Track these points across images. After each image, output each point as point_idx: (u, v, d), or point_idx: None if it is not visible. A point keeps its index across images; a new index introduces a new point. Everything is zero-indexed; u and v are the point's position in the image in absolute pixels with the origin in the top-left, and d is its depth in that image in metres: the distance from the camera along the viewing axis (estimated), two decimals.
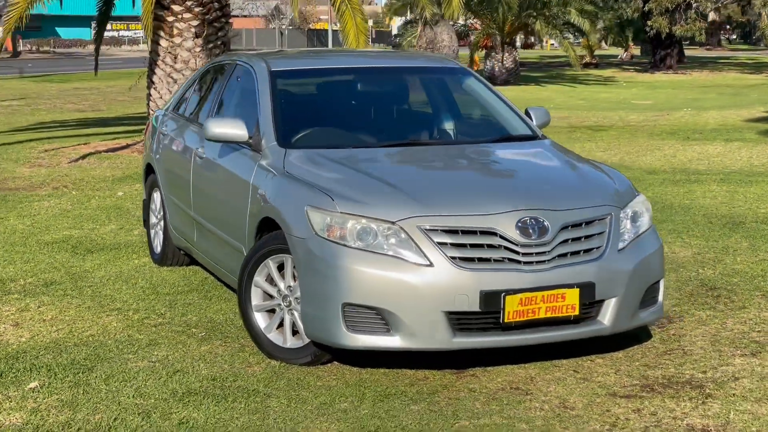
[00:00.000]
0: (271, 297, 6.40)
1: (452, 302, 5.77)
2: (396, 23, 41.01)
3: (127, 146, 17.76)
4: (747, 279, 8.40)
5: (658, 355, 6.56)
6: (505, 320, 5.81)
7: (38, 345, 6.71)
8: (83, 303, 7.71)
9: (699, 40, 53.93)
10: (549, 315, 5.90)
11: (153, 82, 16.45)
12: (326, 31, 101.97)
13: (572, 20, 39.07)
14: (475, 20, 40.26)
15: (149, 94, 16.49)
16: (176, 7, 16.23)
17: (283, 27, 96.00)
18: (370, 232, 5.87)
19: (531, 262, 5.89)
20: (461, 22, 41.41)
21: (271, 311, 6.43)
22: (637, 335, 6.90)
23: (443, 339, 5.82)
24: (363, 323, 5.86)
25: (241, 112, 7.42)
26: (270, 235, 6.41)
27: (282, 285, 6.32)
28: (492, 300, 5.77)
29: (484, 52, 39.66)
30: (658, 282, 6.47)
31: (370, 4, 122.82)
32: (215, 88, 8.20)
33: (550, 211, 6.02)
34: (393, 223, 5.86)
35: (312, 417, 5.48)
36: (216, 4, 16.44)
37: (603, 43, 74.56)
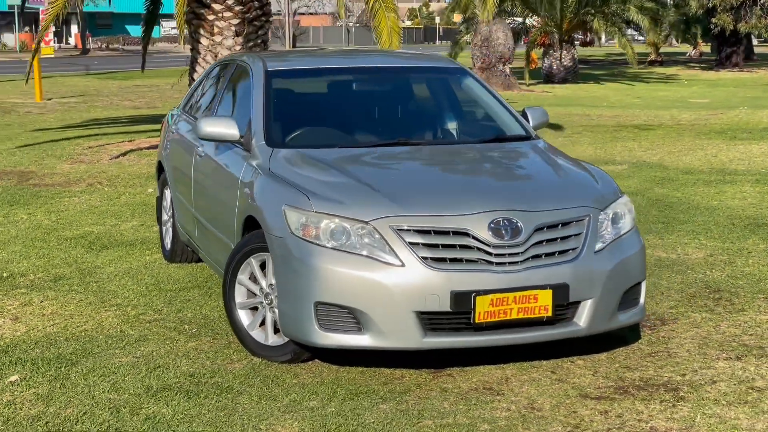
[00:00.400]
0: (254, 295, 6.48)
1: (423, 302, 5.80)
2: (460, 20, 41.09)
3: None
4: (753, 282, 8.31)
5: (642, 357, 6.53)
6: (476, 320, 5.83)
7: (31, 339, 6.86)
8: (86, 298, 7.85)
9: (766, 37, 53.08)
10: (521, 316, 5.90)
11: (194, 80, 16.61)
12: None
13: (631, 18, 38.70)
14: (534, 18, 40.04)
15: None
16: (216, 6, 16.37)
17: (350, 24, 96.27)
18: (343, 232, 5.92)
19: (503, 263, 5.90)
20: (519, 19, 41.23)
21: (255, 309, 6.51)
22: (625, 337, 6.88)
23: (414, 339, 5.86)
24: (335, 322, 5.91)
25: (238, 112, 7.51)
26: (253, 234, 6.49)
27: (264, 283, 6.39)
28: (462, 300, 5.79)
29: (542, 50, 39.45)
30: (639, 284, 6.44)
31: (438, 1, 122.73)
32: (218, 87, 8.32)
33: (524, 212, 6.02)
34: (366, 222, 5.91)
35: (278, 414, 5.55)
36: (256, 3, 16.55)
37: (674, 41, 73.80)
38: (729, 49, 50.69)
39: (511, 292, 5.85)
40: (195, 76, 16.61)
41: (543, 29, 38.10)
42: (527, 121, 7.63)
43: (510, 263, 5.91)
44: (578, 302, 6.08)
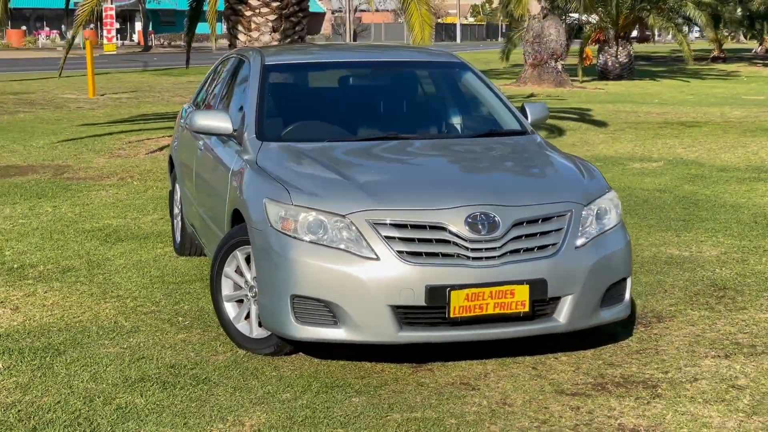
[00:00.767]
0: (240, 287, 6.52)
1: (398, 296, 5.79)
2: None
3: None
4: (761, 280, 8.21)
5: (628, 354, 6.47)
6: (451, 315, 5.81)
7: (25, 328, 6.95)
8: (89, 290, 7.95)
9: None
10: (497, 311, 5.87)
11: None
12: (455, 25, 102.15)
13: (689, 14, 38.27)
14: (588, 14, 39.73)
15: None
16: (254, 2, 16.45)
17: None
18: (321, 225, 5.94)
19: (480, 258, 5.87)
20: (575, 15, 40.92)
21: (241, 301, 6.55)
22: (615, 334, 6.82)
23: (389, 332, 5.85)
24: (311, 315, 5.93)
25: (235, 105, 7.55)
26: (238, 227, 6.52)
27: (249, 276, 6.43)
28: (437, 295, 5.78)
29: (597, 46, 39.15)
30: (624, 280, 6.38)
31: None
32: (222, 81, 8.37)
33: (502, 206, 5.99)
34: (343, 216, 5.92)
35: (248, 406, 5.57)
36: None
37: (741, 37, 72.83)
38: None
39: (487, 287, 5.82)
40: None
41: (598, 25, 37.80)
42: (526, 116, 7.58)
43: (486, 258, 5.88)
44: (558, 298, 6.03)
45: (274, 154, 6.70)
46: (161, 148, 16.80)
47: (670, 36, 40.50)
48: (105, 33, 64.14)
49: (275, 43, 16.51)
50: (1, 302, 7.62)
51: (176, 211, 9.27)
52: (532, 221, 6.04)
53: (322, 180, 6.26)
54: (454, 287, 5.78)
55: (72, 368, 6.15)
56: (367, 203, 5.95)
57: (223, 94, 8.09)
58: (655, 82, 37.29)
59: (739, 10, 54.22)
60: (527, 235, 6.01)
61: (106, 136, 18.89)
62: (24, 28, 79.68)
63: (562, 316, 6.06)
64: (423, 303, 5.80)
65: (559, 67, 32.98)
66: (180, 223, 9.04)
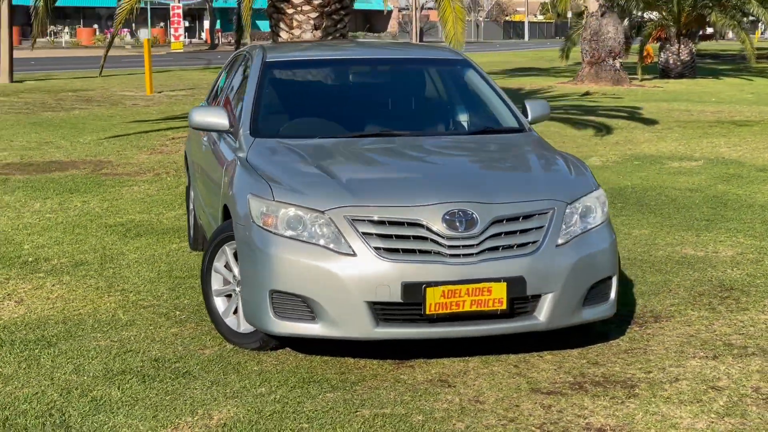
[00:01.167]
0: (229, 282, 6.57)
1: (374, 292, 5.81)
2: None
3: None
4: None
5: (615, 353, 6.43)
6: (427, 312, 5.81)
7: (23, 321, 7.07)
8: (96, 284, 8.06)
9: None
10: (474, 308, 5.86)
11: None
12: (523, 23, 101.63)
13: (752, 11, 37.69)
14: (651, 12, 39.33)
15: None
16: (296, 0, 16.56)
17: (480, 19, 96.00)
18: (300, 221, 5.98)
19: (457, 255, 5.87)
20: (636, 12, 40.49)
21: (230, 296, 6.61)
22: (606, 333, 6.78)
23: (365, 328, 5.87)
24: (289, 310, 5.97)
25: (236, 102, 7.62)
26: (227, 222, 6.58)
27: (237, 271, 6.48)
28: (412, 291, 5.78)
29: (658, 44, 38.73)
30: (609, 279, 6.33)
31: None
32: (230, 77, 8.45)
33: (481, 203, 5.97)
34: (322, 212, 5.95)
35: (221, 400, 5.62)
36: None
37: None
38: None
39: (463, 284, 5.82)
40: None
41: (659, 23, 37.40)
42: (526, 114, 7.54)
43: (464, 255, 5.88)
44: (539, 296, 6.01)
45: (264, 150, 6.75)
46: None
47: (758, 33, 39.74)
48: (172, 31, 64.81)
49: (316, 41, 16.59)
50: (8, 294, 7.76)
51: (191, 206, 9.37)
52: (512, 219, 6.02)
53: (306, 176, 6.30)
54: (429, 284, 5.78)
55: (57, 360, 6.25)
56: (346, 200, 5.97)
57: (229, 91, 8.16)
58: (716, 81, 36.78)
59: None
60: (507, 233, 5.99)
61: (153, 132, 19.11)
62: (96, 26, 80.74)
63: (542, 314, 6.03)
64: (399, 299, 5.81)
65: (617, 65, 32.67)
66: (193, 218, 9.14)
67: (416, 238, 5.88)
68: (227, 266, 6.57)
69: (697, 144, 17.31)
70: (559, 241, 6.08)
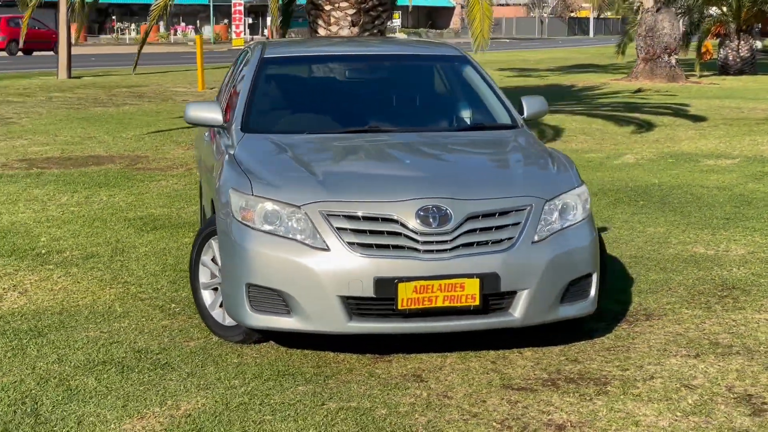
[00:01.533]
0: (215, 276, 6.65)
1: (347, 287, 5.86)
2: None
3: None
4: None
5: (597, 351, 6.41)
6: (399, 307, 5.85)
7: (21, 311, 7.21)
8: (102, 276, 8.19)
9: None
10: (447, 304, 5.88)
11: None
12: (588, 19, 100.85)
13: None
14: (710, 7, 38.84)
15: None
16: None
17: (544, 15, 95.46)
18: (277, 216, 6.04)
19: (430, 251, 5.89)
20: (695, 8, 39.96)
21: (216, 289, 6.69)
22: (593, 330, 6.77)
23: (338, 323, 5.92)
24: (265, 304, 6.04)
25: (234, 98, 7.70)
26: (213, 216, 6.67)
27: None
28: (385, 286, 5.82)
29: (717, 40, 38.25)
30: (589, 276, 6.31)
31: None
32: (234, 74, 8.54)
33: (455, 199, 5.99)
34: (298, 207, 6.01)
35: (193, 391, 5.71)
36: None
37: None
38: None
39: (436, 280, 5.84)
40: None
41: (718, 19, 36.94)
42: (522, 110, 7.54)
43: (437, 251, 5.90)
44: (514, 292, 6.01)
45: (252, 145, 6.83)
46: None
47: None
48: (234, 28, 65.33)
49: None
50: (14, 285, 7.91)
51: (202, 202, 9.48)
52: (488, 215, 6.03)
53: (286, 171, 6.37)
54: (402, 279, 5.81)
55: (43, 350, 6.38)
56: (321, 195, 6.03)
57: (231, 87, 8.25)
58: None
59: None
60: (482, 229, 6.00)
61: (195, 127, 19.24)
62: (161, 23, 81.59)
63: (518, 310, 6.03)
64: (371, 294, 5.85)
65: (673, 61, 32.32)
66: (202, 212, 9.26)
67: (390, 233, 5.92)
68: (214, 260, 6.65)
69: (738, 142, 17.11)
70: (536, 238, 6.07)
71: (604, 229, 9.90)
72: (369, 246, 5.90)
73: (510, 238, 6.02)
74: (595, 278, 6.35)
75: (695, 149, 16.20)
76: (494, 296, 5.98)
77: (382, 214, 5.93)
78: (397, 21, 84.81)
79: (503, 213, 6.07)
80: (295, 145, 6.78)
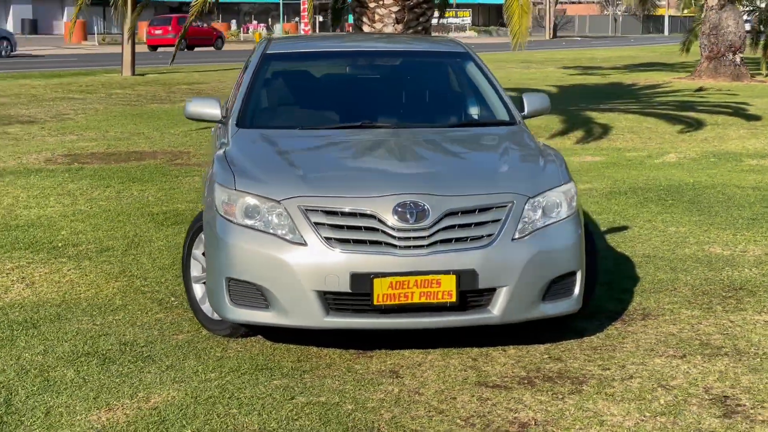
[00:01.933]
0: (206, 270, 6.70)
1: (323, 282, 5.87)
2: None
3: None
4: None
5: (584, 349, 6.36)
6: (375, 303, 5.84)
7: (22, 303, 7.33)
8: (110, 269, 8.29)
9: None
10: (423, 300, 5.86)
11: None
12: (663, 17, 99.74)
13: None
14: None
15: None
16: None
17: (618, 13, 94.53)
18: (257, 210, 6.07)
19: (407, 247, 5.88)
20: (763, 5, 39.31)
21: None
22: (584, 329, 6.72)
23: (315, 318, 5.93)
24: (244, 298, 6.08)
25: (237, 93, 7.76)
26: (202, 210, 6.72)
27: None
28: (360, 282, 5.82)
29: None
30: (573, 274, 6.24)
31: None
32: (245, 69, 8.58)
33: (433, 195, 5.96)
34: (278, 202, 6.03)
35: (168, 383, 5.75)
36: None
37: None
38: None
39: (412, 276, 5.83)
40: None
41: None
42: (522, 107, 7.49)
43: (414, 247, 5.88)
44: (493, 289, 5.97)
45: (244, 140, 6.88)
46: None
47: None
48: (302, 25, 65.63)
49: None
50: (22, 278, 8.04)
51: None
52: (467, 211, 6.00)
53: (270, 166, 6.41)
54: (377, 275, 5.81)
55: (32, 342, 6.47)
56: (301, 190, 6.05)
57: (240, 83, 8.30)
58: None
59: None
60: (461, 225, 5.97)
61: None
62: (234, 21, 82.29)
63: (497, 308, 6.00)
64: (348, 290, 5.85)
65: (737, 59, 31.81)
66: None
67: (367, 229, 5.92)
68: (204, 254, 6.70)
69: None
70: (516, 235, 6.03)
71: (623, 228, 9.80)
72: (346, 241, 5.90)
73: (490, 235, 5.98)
74: (579, 276, 6.29)
75: (741, 149, 15.95)
76: (472, 293, 5.95)
77: (361, 209, 5.93)
78: (467, 18, 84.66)
79: (483, 209, 6.03)
80: (284, 141, 6.82)
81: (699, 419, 5.27)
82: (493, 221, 6.02)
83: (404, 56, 8.18)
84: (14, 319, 6.95)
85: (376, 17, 16.70)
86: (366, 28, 16.75)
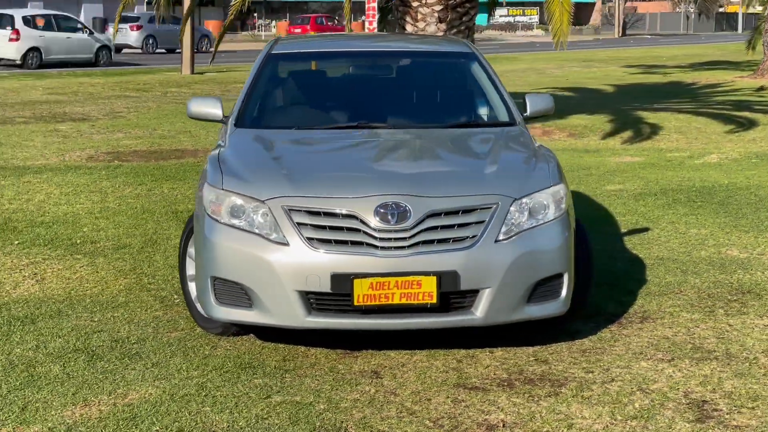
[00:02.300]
0: None
1: (304, 282, 5.89)
2: None
3: None
4: None
5: (572, 352, 6.32)
6: (355, 303, 5.85)
7: (27, 298, 7.44)
8: (122, 266, 8.39)
9: None
10: (404, 301, 5.86)
11: None
12: (737, 14, 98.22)
13: None
14: None
15: None
16: None
17: (690, 11, 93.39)
18: (242, 210, 6.11)
19: (388, 248, 5.88)
20: None
21: None
22: (578, 331, 6.68)
23: (297, 317, 5.96)
24: (229, 297, 6.12)
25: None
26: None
27: None
28: (341, 282, 5.84)
29: None
30: (559, 276, 6.19)
31: None
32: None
33: (416, 197, 5.95)
34: (262, 202, 6.07)
35: (150, 380, 5.81)
36: None
37: None
38: None
39: (392, 277, 5.83)
40: None
41: None
42: (525, 108, 7.45)
43: (395, 248, 5.88)
44: (477, 291, 5.95)
45: (239, 140, 6.93)
46: None
47: None
48: (367, 24, 65.76)
49: (441, 34, 16.63)
50: (34, 273, 8.17)
51: None
52: (450, 212, 5.98)
53: (258, 166, 6.45)
54: (357, 275, 5.82)
55: (26, 337, 6.57)
56: (285, 189, 6.08)
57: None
58: None
59: None
60: (444, 227, 5.95)
61: None
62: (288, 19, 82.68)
63: (480, 309, 5.97)
64: (328, 290, 5.87)
65: None
66: None
67: (349, 229, 5.93)
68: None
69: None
70: (501, 237, 6.00)
71: (644, 229, 9.70)
72: (328, 242, 5.92)
73: (473, 237, 5.96)
74: (566, 278, 6.23)
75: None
76: (455, 294, 5.94)
77: (343, 210, 5.94)
78: (535, 17, 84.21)
79: (467, 211, 6.01)
80: (277, 141, 6.86)
81: (671, 423, 5.21)
82: (477, 222, 6.00)
83: (407, 57, 8.17)
84: (15, 314, 7.07)
85: (419, 16, 16.71)
86: (409, 28, 16.75)
